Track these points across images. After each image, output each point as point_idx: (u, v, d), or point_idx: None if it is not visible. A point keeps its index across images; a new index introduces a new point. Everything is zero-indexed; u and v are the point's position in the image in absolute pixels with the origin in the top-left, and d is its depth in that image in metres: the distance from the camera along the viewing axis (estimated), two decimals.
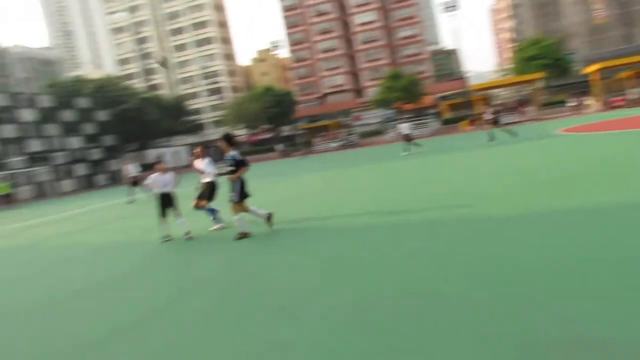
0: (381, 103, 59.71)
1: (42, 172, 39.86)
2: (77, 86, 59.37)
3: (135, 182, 17.68)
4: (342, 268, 5.00)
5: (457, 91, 66.67)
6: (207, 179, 8.68)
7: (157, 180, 8.02)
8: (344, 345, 3.37)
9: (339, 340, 3.46)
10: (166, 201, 7.97)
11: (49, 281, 6.36)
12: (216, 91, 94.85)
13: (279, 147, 55.69)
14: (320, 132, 64.35)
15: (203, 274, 5.61)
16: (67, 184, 42.40)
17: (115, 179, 47.49)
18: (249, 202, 8.02)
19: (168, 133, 77.59)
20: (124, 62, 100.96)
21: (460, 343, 3.19)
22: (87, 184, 45.27)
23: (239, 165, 7.14)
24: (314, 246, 6.14)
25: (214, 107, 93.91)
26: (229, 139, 7.28)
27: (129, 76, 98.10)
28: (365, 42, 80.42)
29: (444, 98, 66.07)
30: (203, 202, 8.57)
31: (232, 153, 7.22)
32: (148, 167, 24.71)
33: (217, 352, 3.55)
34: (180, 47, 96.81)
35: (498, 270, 4.26)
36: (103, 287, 5.65)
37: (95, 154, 48.13)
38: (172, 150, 74.17)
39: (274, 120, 67.06)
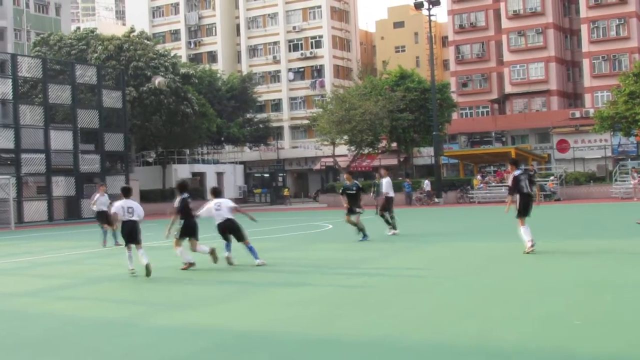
0: (613, 123, 60.16)
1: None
2: (82, 46, 66.66)
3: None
4: None
5: None
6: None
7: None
8: None
9: None
10: None
11: None
12: (309, 73, 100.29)
13: (409, 185, 58.24)
14: (488, 163, 65.83)
15: None
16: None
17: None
18: None
19: (216, 140, 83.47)
20: (159, 12, 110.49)
21: None
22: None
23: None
24: None
25: (304, 101, 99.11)
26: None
27: (165, 36, 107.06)
28: (599, 4, 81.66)
29: None
30: None
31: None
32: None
33: None
34: None
35: None
36: None
37: (90, 162, 54.12)
38: (215, 170, 79.76)
39: (406, 134, 69.98)
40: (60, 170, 50.65)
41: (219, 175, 79.17)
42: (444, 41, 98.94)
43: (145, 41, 69.54)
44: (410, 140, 70.50)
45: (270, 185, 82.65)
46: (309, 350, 8.70)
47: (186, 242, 17.28)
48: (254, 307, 11.83)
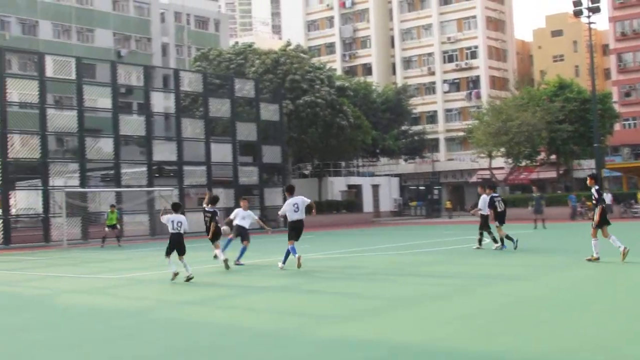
0: None
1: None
2: (240, 61, 68.44)
3: None
4: None
5: None
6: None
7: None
8: None
9: None
10: None
11: None
12: (465, 85, 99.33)
13: (574, 198, 56.46)
14: None
15: None
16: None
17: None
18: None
19: (371, 152, 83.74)
20: (314, 26, 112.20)
21: None
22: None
23: None
24: None
25: (460, 113, 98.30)
26: None
27: (320, 50, 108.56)
28: None
29: None
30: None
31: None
32: None
33: None
34: (415, 5, 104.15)
35: None
36: None
37: (249, 174, 55.35)
38: (371, 182, 79.92)
39: (566, 146, 68.21)
40: (220, 182, 52.04)
41: (375, 187, 79.43)
42: (605, 49, 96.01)
43: (301, 54, 70.57)
44: (570, 152, 68.84)
45: (426, 198, 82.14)
46: None
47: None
48: (416, 319, 11.86)
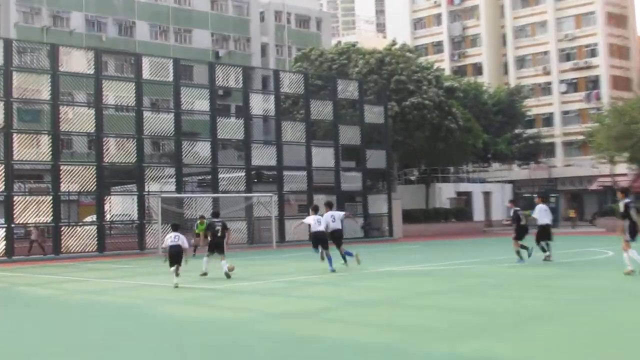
0: None
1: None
2: (343, 61, 68.10)
3: None
4: None
5: None
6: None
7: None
8: None
9: None
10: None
11: None
12: (583, 85, 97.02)
13: None
14: None
15: None
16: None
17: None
18: None
19: (482, 157, 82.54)
20: (421, 24, 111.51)
21: None
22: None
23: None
24: None
25: (578, 115, 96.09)
26: None
27: (427, 49, 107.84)
28: None
29: None
30: None
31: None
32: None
33: None
34: (529, 1, 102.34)
35: None
36: None
37: (352, 179, 54.88)
38: (482, 189, 78.79)
39: None
40: (321, 188, 51.67)
41: (486, 194, 78.20)
42: None
43: (407, 54, 70.00)
44: None
45: None
46: None
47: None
48: (546, 337, 11.20)
